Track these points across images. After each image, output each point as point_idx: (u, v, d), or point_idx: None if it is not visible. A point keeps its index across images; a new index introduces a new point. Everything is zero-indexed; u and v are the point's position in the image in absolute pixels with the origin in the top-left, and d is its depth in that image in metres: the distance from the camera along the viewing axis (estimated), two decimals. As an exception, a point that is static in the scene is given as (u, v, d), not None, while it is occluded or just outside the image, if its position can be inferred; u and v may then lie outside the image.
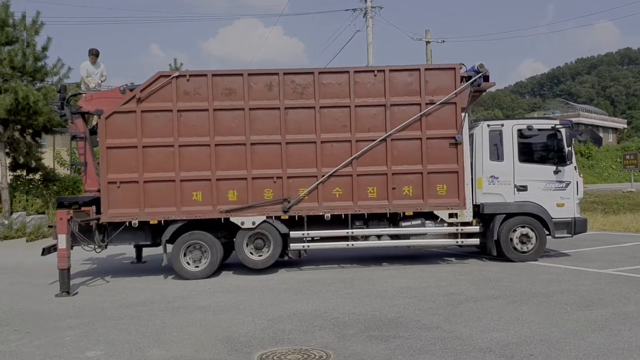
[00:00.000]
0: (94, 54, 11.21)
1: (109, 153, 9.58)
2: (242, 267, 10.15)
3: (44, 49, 17.67)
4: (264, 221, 9.77)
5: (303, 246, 9.96)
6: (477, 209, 10.27)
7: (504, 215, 10.26)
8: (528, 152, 10.53)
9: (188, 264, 9.76)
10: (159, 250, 10.10)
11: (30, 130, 18.31)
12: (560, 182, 10.34)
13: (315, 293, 8.16)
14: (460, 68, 10.09)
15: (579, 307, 6.75)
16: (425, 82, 9.91)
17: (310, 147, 9.79)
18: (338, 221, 9.90)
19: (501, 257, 10.38)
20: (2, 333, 6.47)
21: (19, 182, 19.12)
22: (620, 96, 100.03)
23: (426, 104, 9.87)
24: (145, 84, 9.65)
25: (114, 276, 10.35)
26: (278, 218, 9.80)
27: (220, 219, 9.71)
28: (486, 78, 10.16)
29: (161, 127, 9.63)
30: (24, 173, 19.49)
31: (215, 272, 9.94)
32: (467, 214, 10.03)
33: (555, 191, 10.33)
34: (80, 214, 9.61)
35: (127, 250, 11.94)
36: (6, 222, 16.47)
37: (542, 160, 10.55)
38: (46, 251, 9.48)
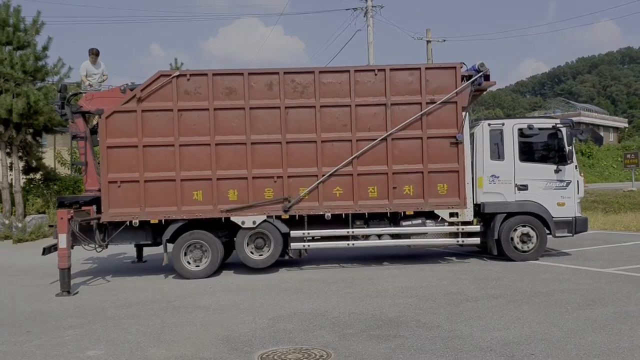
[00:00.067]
0: (94, 54, 11.21)
1: (110, 152, 9.58)
2: (243, 267, 10.15)
3: (45, 48, 17.68)
4: (265, 220, 9.77)
5: (303, 245, 9.96)
6: (478, 208, 10.27)
7: (505, 214, 10.26)
8: (529, 152, 10.52)
9: (189, 263, 9.76)
10: (159, 249, 10.11)
11: (31, 130, 18.33)
12: (561, 181, 10.34)
13: (315, 292, 8.16)
14: (461, 67, 10.08)
15: (579, 306, 6.74)
16: (425, 81, 9.90)
17: (310, 146, 9.78)
18: (338, 220, 9.90)
19: (502, 256, 10.37)
20: (3, 333, 6.47)
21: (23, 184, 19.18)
22: (621, 95, 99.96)
23: (427, 103, 9.86)
24: (146, 84, 9.65)
25: (114, 276, 10.35)
26: (278, 217, 9.80)
27: (221, 218, 9.71)
28: (487, 77, 10.15)
29: (162, 126, 9.63)
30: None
31: (216, 272, 9.94)
32: (468, 213, 10.02)
33: (556, 190, 10.33)
34: (81, 214, 9.61)
35: (127, 249, 11.94)
36: (20, 224, 16.48)
37: (543, 160, 10.54)
38: (47, 251, 9.49)
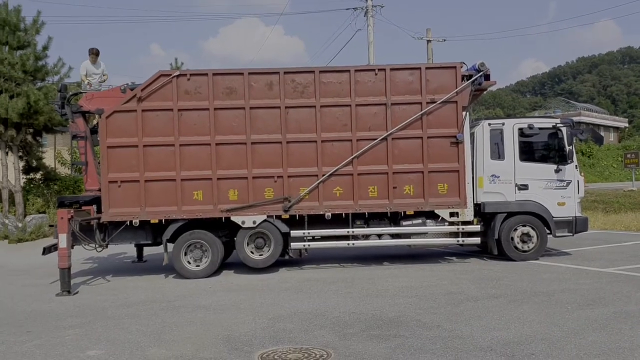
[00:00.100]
0: (94, 53, 11.20)
1: (110, 152, 9.58)
2: (243, 266, 10.15)
3: (45, 48, 17.69)
4: (265, 220, 9.77)
5: (304, 245, 9.96)
6: (478, 208, 10.26)
7: (505, 214, 10.25)
8: (529, 151, 10.52)
9: (189, 263, 9.76)
10: (159, 249, 10.11)
11: (31, 130, 18.33)
12: (561, 181, 10.33)
13: (316, 292, 8.16)
14: (461, 67, 10.08)
15: (579, 306, 6.74)
16: (426, 81, 9.90)
17: (310, 146, 9.78)
18: (339, 220, 9.90)
19: (502, 256, 10.37)
20: (3, 332, 6.47)
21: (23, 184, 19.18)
22: (621, 95, 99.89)
23: (427, 102, 9.86)
24: (146, 83, 9.65)
25: (114, 275, 10.35)
26: (279, 217, 9.80)
27: (221, 218, 9.71)
28: (487, 77, 10.15)
29: (162, 126, 9.63)
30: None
31: (216, 271, 9.94)
32: (468, 213, 10.02)
33: (556, 190, 10.32)
34: (81, 213, 9.61)
35: (127, 249, 11.94)
36: (20, 224, 16.48)
37: (543, 159, 10.54)
38: (47, 250, 9.49)
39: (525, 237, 10.28)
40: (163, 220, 9.65)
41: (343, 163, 9.75)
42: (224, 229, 9.97)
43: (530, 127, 10.34)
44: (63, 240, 8.77)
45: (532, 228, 10.28)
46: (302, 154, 9.77)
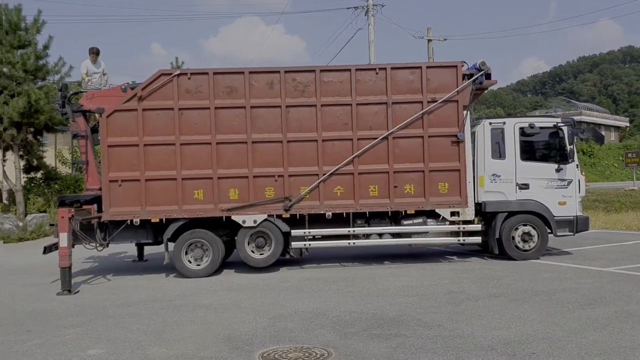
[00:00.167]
0: (95, 53, 11.19)
1: (111, 151, 9.58)
2: (244, 266, 10.14)
3: (46, 47, 17.70)
4: (266, 219, 9.77)
5: (304, 244, 9.96)
6: (479, 207, 10.25)
7: (506, 213, 10.24)
8: (530, 151, 10.51)
9: (189, 262, 9.76)
10: (160, 248, 10.11)
11: (32, 129, 18.35)
12: (562, 180, 10.32)
13: (316, 291, 8.15)
14: (462, 66, 10.07)
15: (580, 306, 6.73)
16: (427, 80, 9.89)
17: (311, 145, 9.78)
18: (339, 219, 9.89)
19: (503, 255, 10.36)
20: (4, 332, 6.47)
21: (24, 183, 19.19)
22: (622, 94, 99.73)
23: (428, 102, 9.85)
24: (147, 82, 9.65)
25: (115, 274, 10.36)
26: (279, 216, 9.80)
27: (222, 217, 9.71)
28: (488, 76, 10.15)
29: (162, 125, 9.63)
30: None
31: (217, 271, 9.94)
32: (469, 212, 10.01)
33: (557, 189, 10.31)
34: (82, 213, 9.62)
35: (128, 248, 11.95)
36: (20, 224, 16.48)
37: (544, 159, 10.53)
38: (47, 250, 9.49)
39: (526, 237, 10.27)
40: (164, 220, 9.65)
41: (344, 162, 9.74)
42: (225, 228, 9.97)
43: (531, 126, 10.32)
44: (64, 239, 8.78)
45: (533, 227, 10.27)
46: (303, 153, 9.77)
